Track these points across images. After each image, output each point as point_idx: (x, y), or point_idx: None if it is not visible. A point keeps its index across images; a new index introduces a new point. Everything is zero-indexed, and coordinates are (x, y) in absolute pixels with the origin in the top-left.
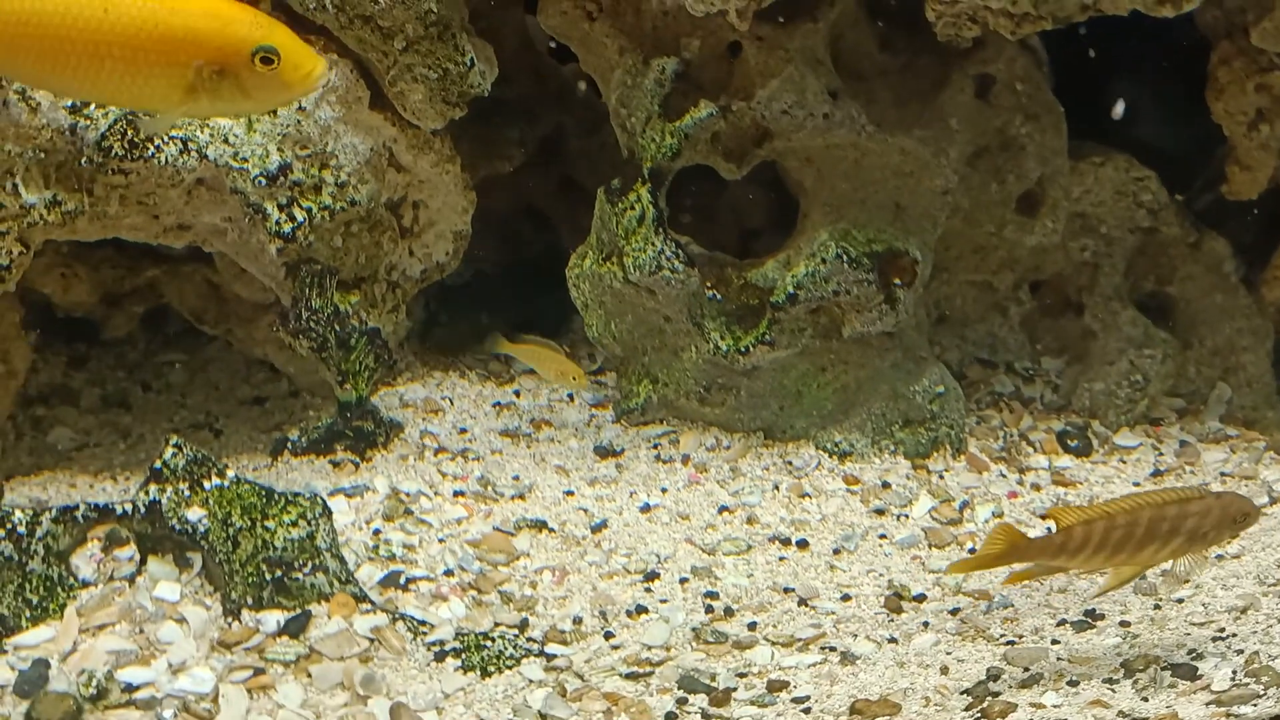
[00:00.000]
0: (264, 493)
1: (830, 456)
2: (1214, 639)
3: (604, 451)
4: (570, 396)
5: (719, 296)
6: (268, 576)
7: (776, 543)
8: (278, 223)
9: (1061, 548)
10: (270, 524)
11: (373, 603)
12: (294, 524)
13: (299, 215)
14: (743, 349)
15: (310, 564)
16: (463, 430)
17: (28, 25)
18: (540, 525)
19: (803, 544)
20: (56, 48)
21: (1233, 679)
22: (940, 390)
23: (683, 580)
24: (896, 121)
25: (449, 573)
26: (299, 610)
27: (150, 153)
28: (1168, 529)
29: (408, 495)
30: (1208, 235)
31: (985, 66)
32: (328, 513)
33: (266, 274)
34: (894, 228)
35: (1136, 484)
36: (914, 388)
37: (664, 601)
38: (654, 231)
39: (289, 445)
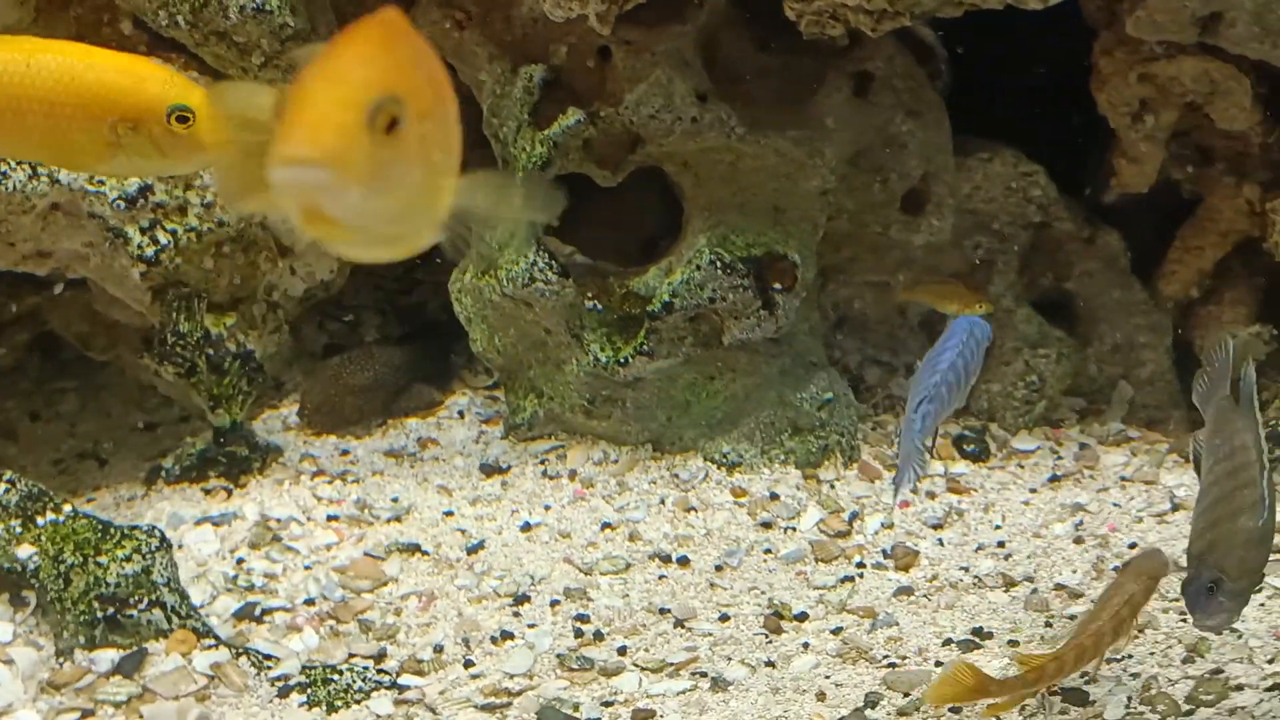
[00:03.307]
0: (100, 527)
1: (719, 468)
2: (1108, 661)
3: (490, 469)
4: (460, 413)
5: (600, 307)
6: (100, 614)
7: (657, 560)
8: (140, 246)
9: (1033, 684)
10: (103, 559)
11: (217, 637)
12: (128, 559)
13: (163, 238)
14: (621, 360)
15: (146, 600)
16: (345, 452)
17: None
18: (413, 548)
19: (684, 561)
20: None
21: (1127, 706)
22: (829, 397)
23: (554, 603)
24: (772, 123)
25: (309, 601)
26: (134, 648)
27: None
28: (1115, 624)
29: (278, 521)
30: (1102, 230)
31: (863, 64)
32: (165, 545)
33: (133, 299)
34: (774, 231)
35: (1033, 490)
36: (802, 395)
37: (532, 626)
38: (527, 243)
39: (163, 473)
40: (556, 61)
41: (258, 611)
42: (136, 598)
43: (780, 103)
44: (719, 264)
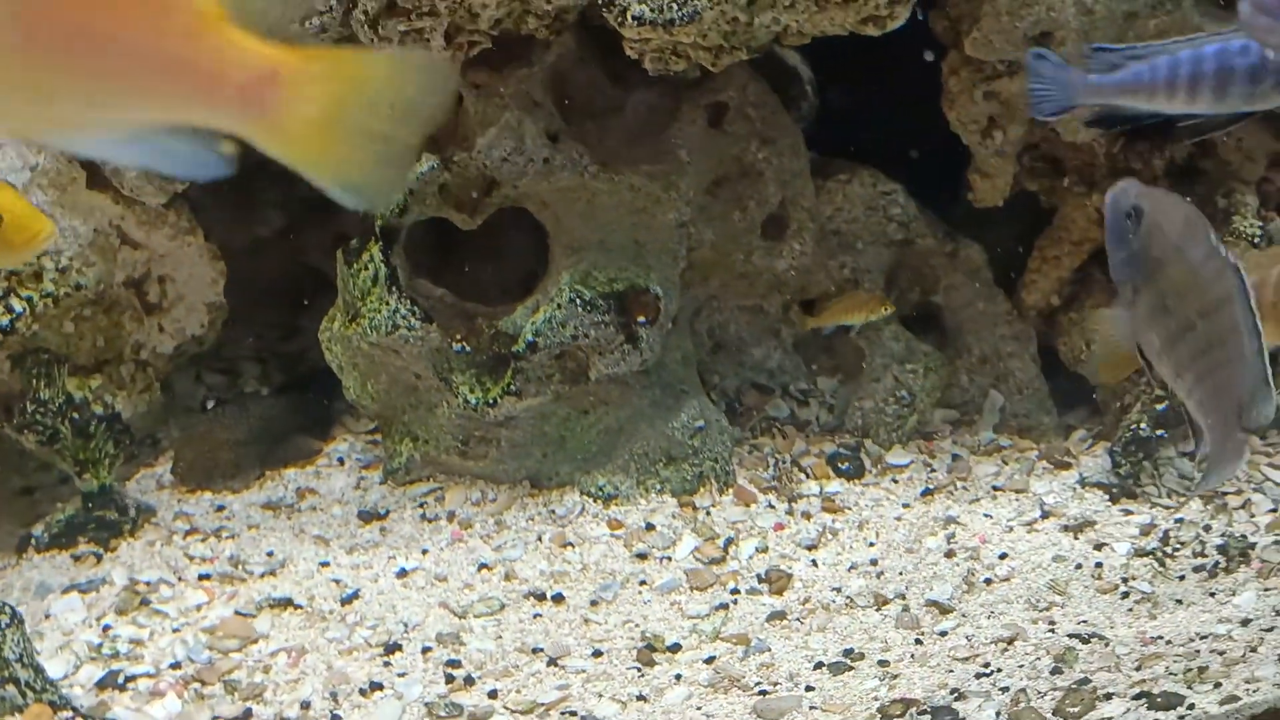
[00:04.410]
0: None
1: (595, 501)
2: (978, 675)
3: (368, 516)
4: (341, 460)
5: (468, 348)
6: None
7: (532, 599)
8: None
9: None
10: None
11: (75, 709)
12: None
13: (18, 306)
14: (490, 401)
15: None
16: (220, 508)
17: None
18: (286, 603)
19: (559, 598)
20: None
21: None
22: (700, 424)
23: (426, 649)
24: (626, 158)
25: (175, 665)
26: None
27: None
28: None
29: (147, 585)
30: (963, 244)
31: (717, 95)
32: (16, 621)
33: None
34: (635, 265)
35: (906, 505)
36: (674, 424)
37: (402, 675)
38: (388, 290)
39: (33, 541)
40: None
41: (121, 679)
42: None
43: (636, 137)
44: (579, 301)
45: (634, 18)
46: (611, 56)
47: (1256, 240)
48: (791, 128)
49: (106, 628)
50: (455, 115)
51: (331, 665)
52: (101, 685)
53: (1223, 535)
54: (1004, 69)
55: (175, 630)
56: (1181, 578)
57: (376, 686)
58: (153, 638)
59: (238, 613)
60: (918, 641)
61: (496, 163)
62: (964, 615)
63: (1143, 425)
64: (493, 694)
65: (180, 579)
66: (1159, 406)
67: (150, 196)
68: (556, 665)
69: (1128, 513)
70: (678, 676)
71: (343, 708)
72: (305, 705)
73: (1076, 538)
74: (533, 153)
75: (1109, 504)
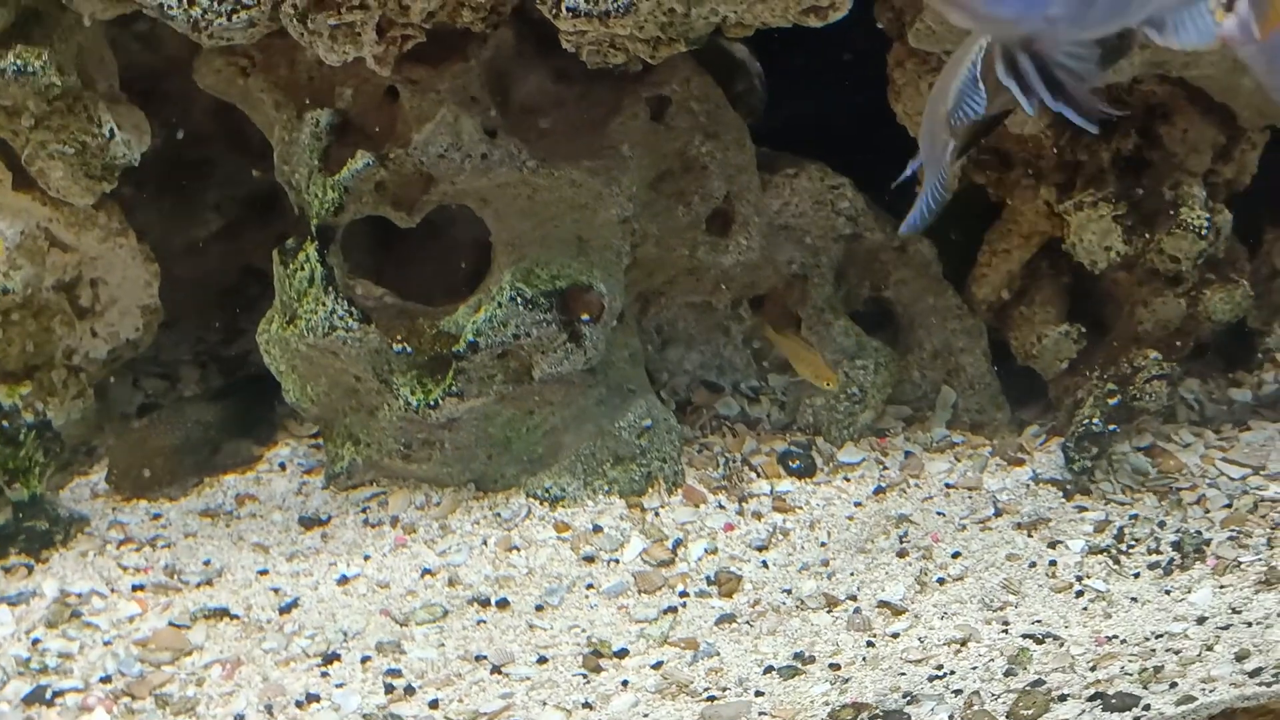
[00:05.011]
0: None
1: (541, 504)
2: (931, 678)
3: (309, 522)
4: (282, 465)
5: (409, 349)
6: None
7: (476, 605)
8: None
9: None
10: None
11: None
12: None
13: None
14: (431, 402)
15: None
16: (156, 516)
17: None
18: (222, 613)
19: (503, 604)
20: None
21: None
22: (648, 423)
23: (365, 659)
24: (567, 153)
25: (106, 679)
26: None
27: None
28: None
29: (78, 596)
30: (913, 238)
31: (659, 89)
32: None
33: None
34: (578, 262)
35: (858, 503)
36: (620, 423)
37: (340, 686)
38: (324, 291)
39: None
40: (343, 105)
41: (49, 694)
42: None
43: (577, 132)
44: (520, 300)
45: (569, 9)
46: (551, 51)
47: (1204, 232)
48: (736, 121)
49: (35, 641)
50: (391, 111)
51: (268, 677)
52: (29, 701)
53: (1177, 531)
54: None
55: (107, 643)
56: (1136, 575)
57: (313, 698)
58: (83, 651)
59: (172, 624)
60: (869, 644)
61: (433, 159)
62: (916, 616)
63: (1095, 420)
64: (434, 704)
65: (113, 590)
66: (1112, 401)
67: (78, 197)
68: (500, 673)
69: (1081, 509)
70: (624, 683)
71: None
72: (239, 719)
73: (1030, 535)
74: (470, 149)
75: (1063, 501)
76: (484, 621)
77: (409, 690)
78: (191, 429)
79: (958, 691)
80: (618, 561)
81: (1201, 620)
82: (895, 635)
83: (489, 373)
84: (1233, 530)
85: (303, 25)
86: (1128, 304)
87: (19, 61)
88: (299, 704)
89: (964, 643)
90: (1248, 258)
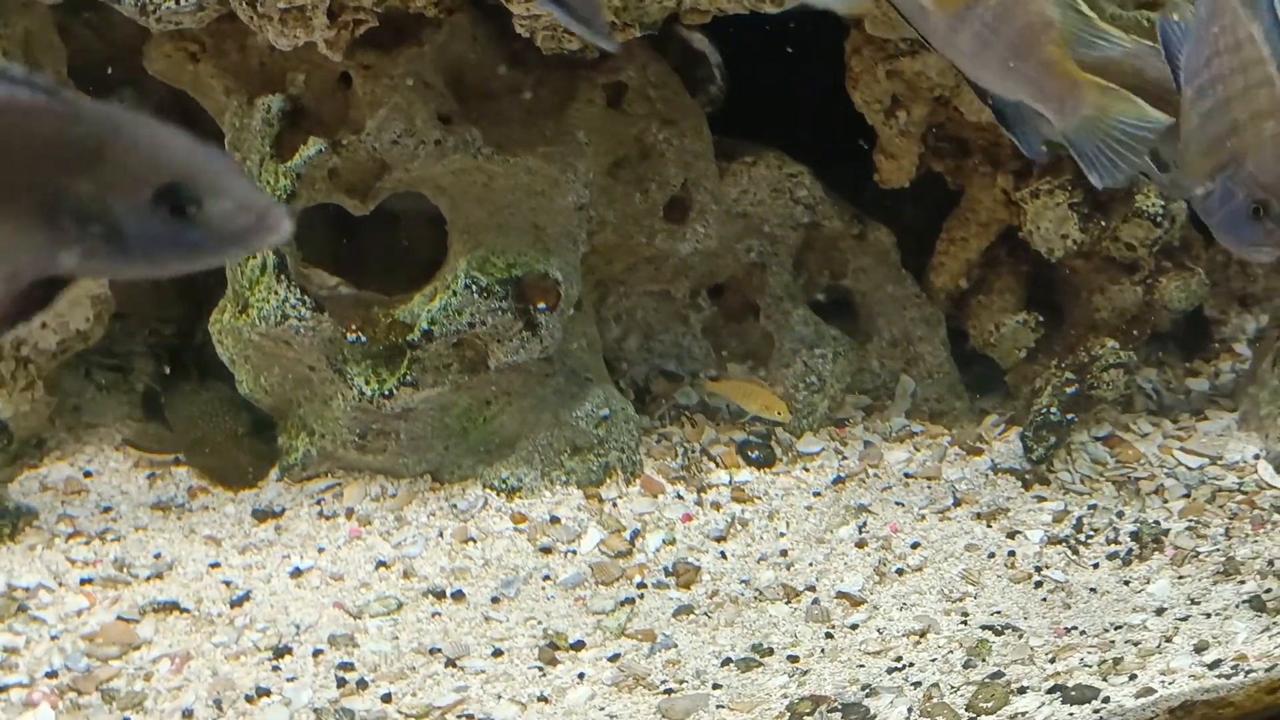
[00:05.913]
0: None
1: (498, 494)
2: (890, 670)
3: (263, 514)
4: None
5: (364, 338)
6: None
7: (430, 597)
8: None
9: None
10: None
11: None
12: None
13: None
14: (386, 392)
15: None
16: (106, 509)
17: None
18: (171, 607)
19: (459, 595)
20: None
21: (908, 718)
22: (605, 413)
23: (317, 652)
24: (522, 140)
25: (51, 674)
26: None
27: None
28: None
29: (25, 590)
30: (871, 226)
31: (616, 75)
32: None
33: None
34: (534, 250)
35: (817, 494)
36: (578, 413)
37: (291, 680)
38: (276, 280)
39: None
40: (295, 91)
41: None
42: None
43: (532, 119)
44: (475, 288)
45: None
46: (506, 37)
47: (1159, 219)
48: (694, 109)
49: None
50: (344, 97)
51: (217, 671)
52: None
53: (1136, 522)
54: (906, 47)
55: (53, 637)
56: (1095, 566)
57: (264, 692)
58: (29, 645)
59: (120, 618)
60: (828, 635)
61: (387, 145)
62: (875, 607)
63: (1053, 410)
64: (387, 697)
65: (61, 584)
66: (1069, 390)
67: None
68: (455, 666)
69: (1040, 499)
70: (581, 675)
71: (227, 715)
72: (188, 714)
73: (989, 526)
74: (424, 135)
75: (1021, 490)
76: (439, 614)
77: (362, 684)
78: None
79: (917, 684)
80: (575, 553)
81: (1160, 611)
82: (854, 627)
83: (444, 362)
84: (1191, 520)
85: (252, 9)
86: (1085, 292)
87: None
88: (249, 698)
89: (923, 634)
90: (1204, 246)
